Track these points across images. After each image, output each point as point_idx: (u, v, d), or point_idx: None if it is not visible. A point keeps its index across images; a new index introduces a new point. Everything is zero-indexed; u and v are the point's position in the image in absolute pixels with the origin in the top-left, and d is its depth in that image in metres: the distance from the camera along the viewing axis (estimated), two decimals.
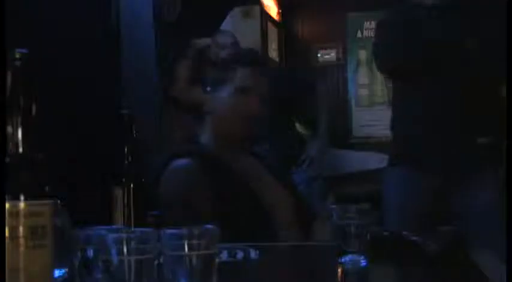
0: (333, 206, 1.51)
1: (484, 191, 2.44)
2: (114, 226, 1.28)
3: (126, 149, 1.37)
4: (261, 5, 4.44)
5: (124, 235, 0.94)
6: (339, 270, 1.42)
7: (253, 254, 1.46)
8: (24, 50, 0.92)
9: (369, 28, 5.16)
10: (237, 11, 4.21)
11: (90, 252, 1.05)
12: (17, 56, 0.92)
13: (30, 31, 2.38)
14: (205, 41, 3.37)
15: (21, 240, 0.88)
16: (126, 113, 1.37)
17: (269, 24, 4.54)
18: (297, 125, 4.33)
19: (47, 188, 0.91)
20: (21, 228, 0.88)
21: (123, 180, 1.36)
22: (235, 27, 3.96)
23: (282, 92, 3.69)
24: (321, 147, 4.37)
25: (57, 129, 2.32)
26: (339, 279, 1.40)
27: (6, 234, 0.87)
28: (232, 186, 1.91)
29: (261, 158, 2.12)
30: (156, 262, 0.95)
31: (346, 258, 1.45)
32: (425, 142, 2.50)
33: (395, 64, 2.55)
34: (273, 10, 4.84)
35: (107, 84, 3.04)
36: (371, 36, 2.80)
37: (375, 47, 2.65)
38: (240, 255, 1.45)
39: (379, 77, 4.77)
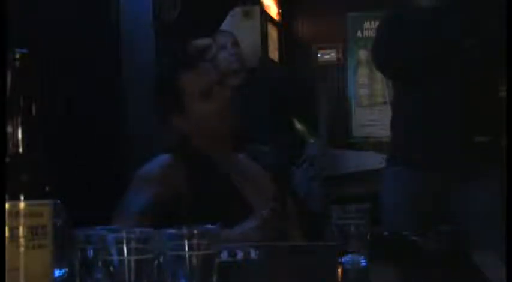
0: (333, 206, 1.51)
1: (483, 191, 2.43)
2: (114, 226, 1.28)
3: None
4: (261, 5, 4.44)
5: (124, 235, 0.94)
6: (339, 270, 1.42)
7: (253, 254, 1.46)
8: (24, 50, 0.92)
9: (369, 28, 5.16)
10: (237, 11, 4.21)
11: (90, 252, 1.05)
12: (17, 56, 0.91)
13: (30, 31, 2.38)
14: (205, 41, 3.36)
15: (21, 240, 0.88)
16: None
17: (269, 24, 4.53)
18: (297, 125, 4.32)
19: (47, 188, 0.91)
20: (21, 228, 0.88)
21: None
22: (235, 27, 3.96)
23: (282, 92, 3.69)
24: (320, 147, 4.37)
25: (57, 129, 2.33)
26: (339, 279, 1.40)
27: (6, 234, 0.87)
28: (211, 182, 1.92)
29: (254, 158, 2.12)
30: (156, 262, 0.95)
31: (346, 258, 1.45)
32: (425, 142, 2.50)
33: (391, 64, 2.54)
34: (273, 10, 4.83)
35: (106, 84, 3.04)
36: (371, 36, 2.80)
37: (372, 47, 2.66)
38: (240, 255, 1.45)
39: (379, 76, 4.76)
